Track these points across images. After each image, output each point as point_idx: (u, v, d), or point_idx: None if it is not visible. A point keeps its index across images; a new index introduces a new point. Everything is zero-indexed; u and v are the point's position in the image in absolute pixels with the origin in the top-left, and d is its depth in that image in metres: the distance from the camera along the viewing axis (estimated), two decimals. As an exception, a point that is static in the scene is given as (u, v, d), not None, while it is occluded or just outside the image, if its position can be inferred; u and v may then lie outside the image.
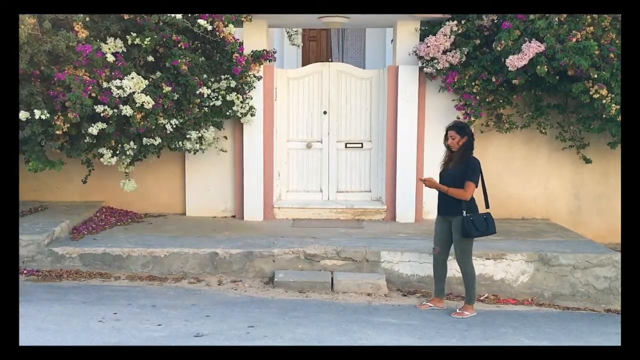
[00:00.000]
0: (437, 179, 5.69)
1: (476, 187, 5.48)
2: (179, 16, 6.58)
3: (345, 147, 8.50)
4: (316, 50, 12.91)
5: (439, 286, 5.82)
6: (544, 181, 8.48)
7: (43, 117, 6.30)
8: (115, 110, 6.56)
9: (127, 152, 6.96)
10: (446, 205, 5.59)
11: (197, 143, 7.50)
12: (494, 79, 7.41)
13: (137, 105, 6.55)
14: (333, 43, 12.68)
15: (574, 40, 6.80)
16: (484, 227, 5.45)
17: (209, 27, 6.71)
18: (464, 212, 5.42)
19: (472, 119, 7.61)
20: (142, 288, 6.12)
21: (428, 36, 7.60)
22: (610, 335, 5.21)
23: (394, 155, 8.08)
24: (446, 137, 5.62)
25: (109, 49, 6.57)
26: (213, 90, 7.35)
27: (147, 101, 6.54)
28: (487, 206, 5.64)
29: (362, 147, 8.50)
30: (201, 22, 6.65)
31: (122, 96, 6.51)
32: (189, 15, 6.81)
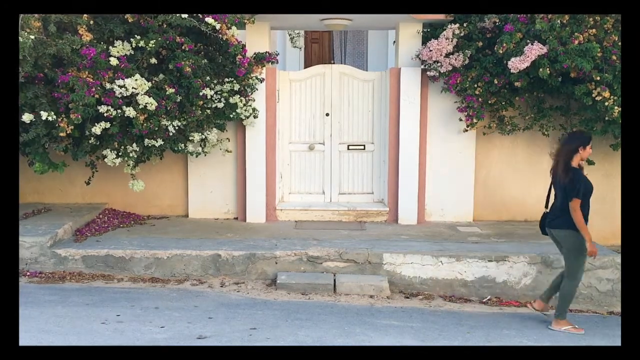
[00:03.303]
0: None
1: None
2: (184, 15, 6.58)
3: (348, 149, 8.51)
4: (318, 52, 12.93)
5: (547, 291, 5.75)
6: (546, 183, 8.44)
7: (50, 118, 6.32)
8: (119, 111, 6.58)
9: (130, 154, 6.98)
10: None
11: (199, 145, 7.52)
12: (496, 81, 7.40)
13: (140, 106, 6.56)
14: (335, 45, 12.70)
15: (576, 42, 6.79)
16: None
17: (217, 26, 6.70)
18: None
19: (475, 120, 7.62)
20: (144, 290, 6.13)
21: (430, 39, 7.60)
22: (612, 338, 5.20)
23: (396, 157, 8.08)
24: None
25: (117, 52, 6.59)
26: (216, 93, 7.36)
27: (150, 102, 6.55)
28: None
29: (364, 149, 8.51)
30: (209, 20, 6.63)
31: (125, 96, 6.53)
32: (196, 15, 6.81)
